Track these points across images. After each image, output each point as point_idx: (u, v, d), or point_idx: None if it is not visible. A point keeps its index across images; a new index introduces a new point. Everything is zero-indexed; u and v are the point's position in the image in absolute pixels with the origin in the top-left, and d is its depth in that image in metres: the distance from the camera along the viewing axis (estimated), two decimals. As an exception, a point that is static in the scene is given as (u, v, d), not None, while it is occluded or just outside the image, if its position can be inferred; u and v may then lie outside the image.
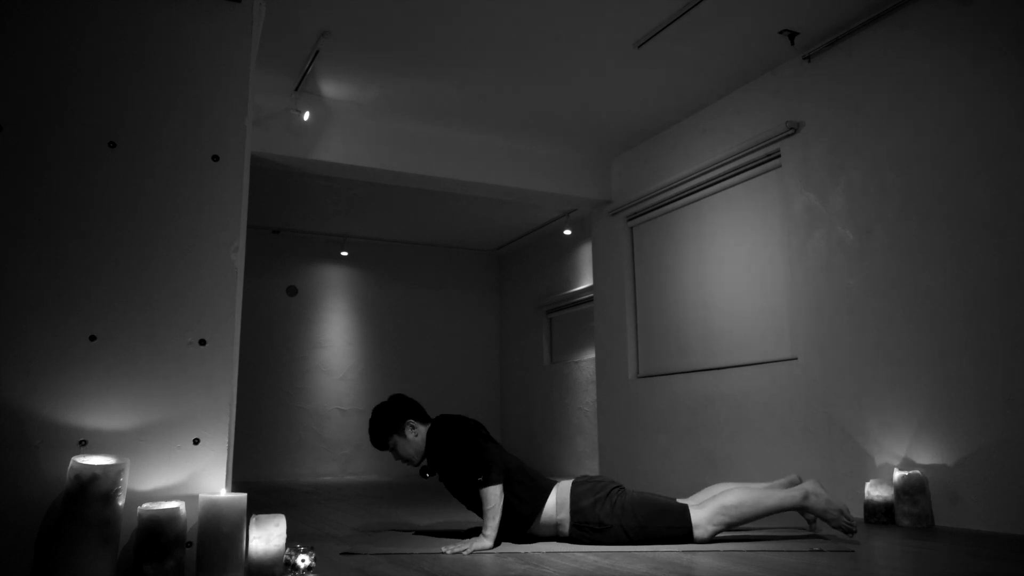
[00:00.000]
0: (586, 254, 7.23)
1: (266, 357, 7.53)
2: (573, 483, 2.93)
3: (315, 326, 7.91)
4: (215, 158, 2.44)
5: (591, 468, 6.67)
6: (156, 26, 2.44)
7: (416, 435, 3.03)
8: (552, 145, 5.70)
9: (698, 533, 2.76)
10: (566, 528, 2.86)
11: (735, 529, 2.88)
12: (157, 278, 2.31)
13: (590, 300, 6.95)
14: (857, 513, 3.63)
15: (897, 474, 3.43)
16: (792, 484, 3.01)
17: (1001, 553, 2.66)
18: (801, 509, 2.85)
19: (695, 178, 5.08)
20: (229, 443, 2.32)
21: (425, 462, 3.08)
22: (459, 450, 2.88)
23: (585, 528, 2.83)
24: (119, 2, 2.41)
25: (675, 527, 2.77)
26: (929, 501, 3.37)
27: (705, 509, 2.79)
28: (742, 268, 4.75)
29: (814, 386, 4.09)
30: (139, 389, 2.24)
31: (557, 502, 2.87)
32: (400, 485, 6.39)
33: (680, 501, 2.87)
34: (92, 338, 2.21)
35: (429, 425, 3.06)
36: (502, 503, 2.75)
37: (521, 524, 2.87)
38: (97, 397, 2.19)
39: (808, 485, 2.86)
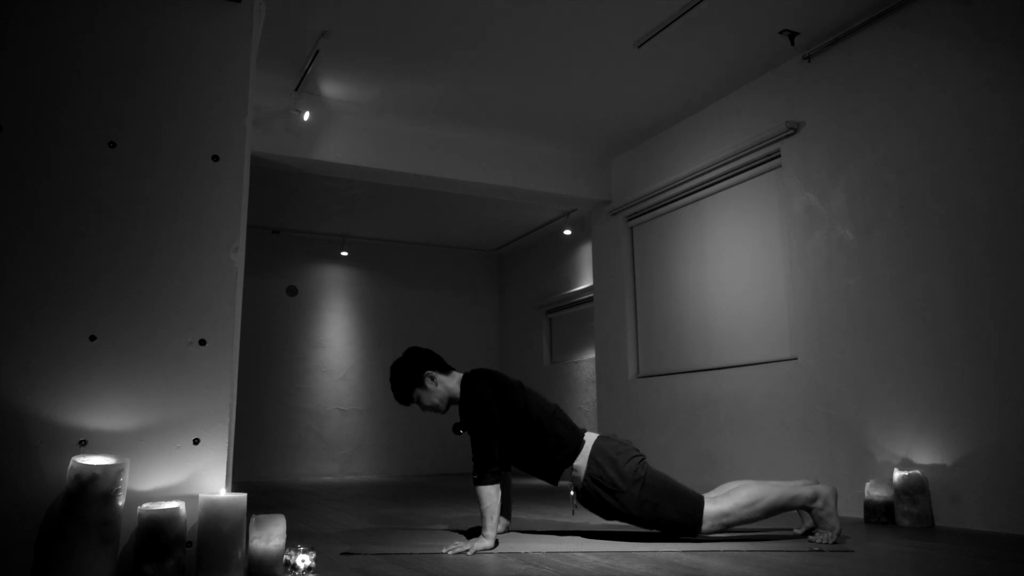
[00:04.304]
0: (586, 254, 7.23)
1: (266, 357, 7.54)
2: (599, 437, 2.92)
3: (315, 326, 7.92)
4: (215, 158, 2.44)
5: (591, 468, 6.66)
6: (156, 26, 2.44)
7: (437, 384, 3.00)
8: (552, 145, 5.70)
9: (707, 526, 2.76)
10: (580, 478, 2.86)
11: (739, 529, 2.84)
12: (157, 278, 2.31)
13: (590, 300, 6.95)
14: (857, 513, 3.63)
15: (897, 474, 3.43)
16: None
17: (1001, 553, 2.66)
18: (807, 508, 2.81)
19: (695, 178, 5.08)
20: (229, 443, 2.32)
21: (449, 411, 3.07)
22: (472, 429, 2.85)
23: (600, 484, 2.81)
24: (119, 2, 2.41)
25: (687, 514, 2.76)
26: (929, 501, 3.37)
27: (718, 504, 2.78)
28: (742, 268, 4.75)
29: (814, 386, 4.09)
30: (139, 389, 2.23)
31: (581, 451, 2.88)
32: (400, 485, 6.39)
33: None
34: (92, 338, 2.21)
35: (458, 375, 3.03)
36: (499, 501, 2.74)
37: (558, 466, 2.86)
38: (97, 397, 2.19)
39: (823, 489, 2.79)
